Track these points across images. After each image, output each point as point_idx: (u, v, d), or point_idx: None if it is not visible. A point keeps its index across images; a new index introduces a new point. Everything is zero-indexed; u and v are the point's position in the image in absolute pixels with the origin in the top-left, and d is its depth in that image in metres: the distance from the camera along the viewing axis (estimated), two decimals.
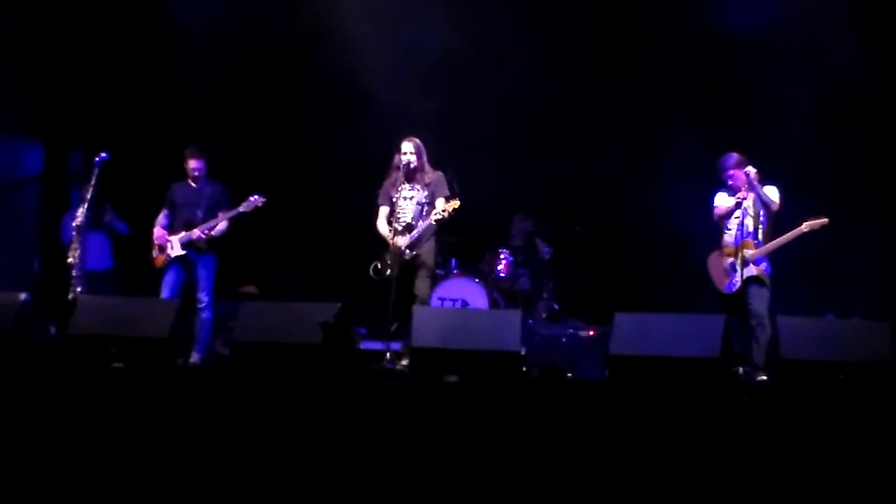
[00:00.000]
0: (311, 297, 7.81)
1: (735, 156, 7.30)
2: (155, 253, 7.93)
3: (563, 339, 8.89)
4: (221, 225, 7.87)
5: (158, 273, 7.86)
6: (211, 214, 7.90)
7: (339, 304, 6.54)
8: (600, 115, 9.38)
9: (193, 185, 8.00)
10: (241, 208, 7.80)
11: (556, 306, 9.41)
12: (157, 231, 7.93)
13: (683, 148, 8.78)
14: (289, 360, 6.38)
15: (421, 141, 7.48)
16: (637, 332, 6.29)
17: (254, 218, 7.95)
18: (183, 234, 7.85)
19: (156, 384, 6.19)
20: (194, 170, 7.96)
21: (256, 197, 7.80)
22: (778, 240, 7.17)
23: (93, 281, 8.03)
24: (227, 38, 9.54)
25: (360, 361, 7.17)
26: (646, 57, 9.23)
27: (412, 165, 7.40)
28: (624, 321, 6.37)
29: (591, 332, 8.83)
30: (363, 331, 8.17)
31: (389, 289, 7.17)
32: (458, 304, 8.77)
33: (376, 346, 7.73)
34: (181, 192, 8.02)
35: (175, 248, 7.85)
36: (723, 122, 8.73)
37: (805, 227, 7.09)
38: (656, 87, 9.13)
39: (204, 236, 7.80)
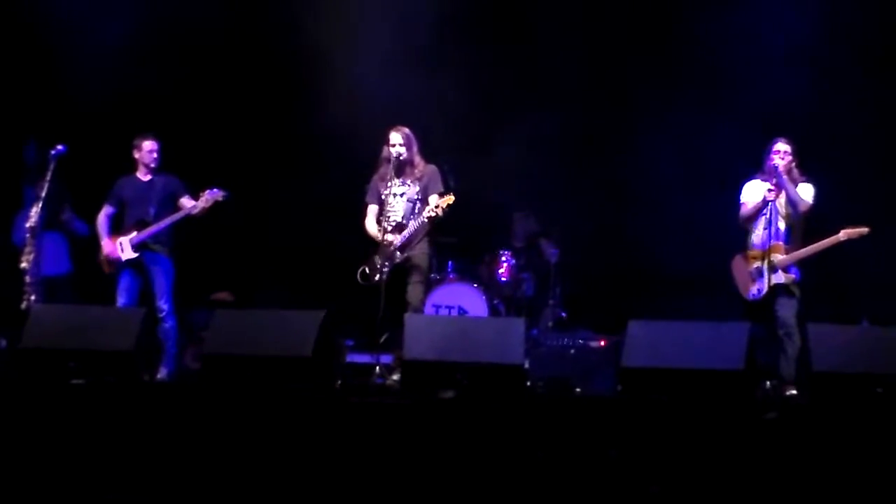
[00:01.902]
0: (292, 305, 7.78)
1: (780, 141, 7.18)
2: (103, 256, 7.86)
3: (571, 351, 8.89)
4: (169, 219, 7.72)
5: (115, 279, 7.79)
6: (165, 211, 7.78)
7: (322, 313, 6.53)
8: (609, 105, 9.39)
9: (142, 178, 7.86)
10: (200, 204, 7.62)
11: (563, 314, 9.44)
12: (104, 237, 7.82)
13: (703, 139, 8.81)
14: (267, 374, 6.33)
15: (412, 131, 7.48)
16: (653, 341, 6.27)
17: (228, 216, 7.90)
18: (134, 234, 7.73)
19: (120, 402, 6.17)
20: (152, 151, 7.82)
21: (215, 191, 7.61)
22: (811, 247, 7.15)
23: (49, 288, 8.01)
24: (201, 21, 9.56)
25: (346, 376, 7.19)
26: (665, 46, 9.28)
27: (402, 158, 7.37)
28: (638, 330, 6.36)
29: (602, 343, 8.83)
30: (350, 342, 8.18)
31: (379, 295, 7.17)
32: (454, 312, 8.80)
33: (364, 359, 7.77)
34: (129, 186, 7.87)
35: (126, 251, 7.72)
36: (751, 117, 8.74)
37: (842, 235, 7.07)
38: (680, 77, 9.18)
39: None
